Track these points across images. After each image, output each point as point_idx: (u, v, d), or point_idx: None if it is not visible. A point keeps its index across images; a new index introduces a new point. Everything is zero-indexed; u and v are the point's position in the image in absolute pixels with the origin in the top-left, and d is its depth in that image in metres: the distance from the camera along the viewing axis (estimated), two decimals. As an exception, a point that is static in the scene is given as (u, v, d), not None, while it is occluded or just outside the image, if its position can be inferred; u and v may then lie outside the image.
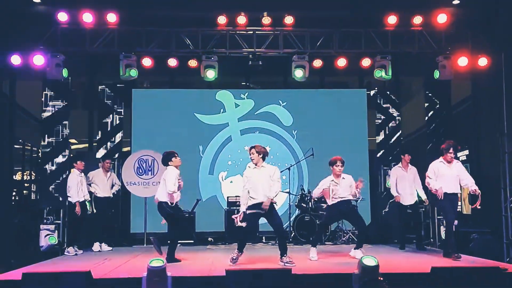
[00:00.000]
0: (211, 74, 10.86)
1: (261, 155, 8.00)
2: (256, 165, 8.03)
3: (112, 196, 10.75)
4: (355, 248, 8.73)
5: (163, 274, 5.86)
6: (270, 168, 8.04)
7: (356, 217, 8.87)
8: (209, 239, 11.84)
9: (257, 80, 14.05)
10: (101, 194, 10.43)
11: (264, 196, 7.81)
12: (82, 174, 10.12)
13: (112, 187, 10.74)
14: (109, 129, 12.61)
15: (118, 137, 12.73)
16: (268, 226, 12.14)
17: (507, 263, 9.64)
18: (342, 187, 8.65)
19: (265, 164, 8.05)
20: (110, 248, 10.40)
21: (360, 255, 8.43)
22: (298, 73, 10.90)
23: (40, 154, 12.43)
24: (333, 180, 8.68)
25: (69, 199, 9.92)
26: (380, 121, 13.07)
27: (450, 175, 8.69)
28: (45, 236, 10.29)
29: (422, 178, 9.41)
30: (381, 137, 12.95)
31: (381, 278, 5.52)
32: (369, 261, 5.86)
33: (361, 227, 8.92)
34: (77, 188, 9.85)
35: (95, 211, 10.45)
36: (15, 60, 10.42)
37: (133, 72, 10.75)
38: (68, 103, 11.99)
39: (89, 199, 10.23)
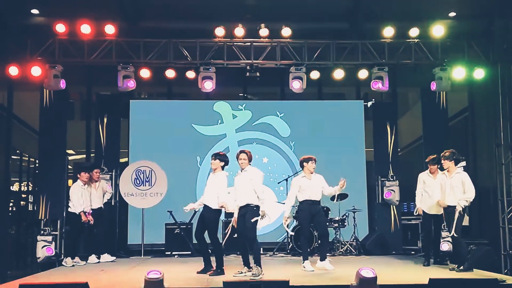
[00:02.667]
0: (208, 85, 10.89)
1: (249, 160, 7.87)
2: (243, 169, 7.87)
3: (103, 206, 10.67)
4: (320, 260, 8.46)
5: (161, 285, 5.85)
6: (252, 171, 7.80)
7: (322, 222, 8.80)
8: (207, 250, 11.78)
9: (254, 91, 14.09)
10: (92, 205, 10.35)
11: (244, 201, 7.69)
12: (86, 186, 10.06)
13: (103, 196, 10.67)
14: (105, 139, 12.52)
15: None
16: (265, 238, 12.23)
17: (505, 274, 9.65)
18: (313, 186, 8.57)
19: (248, 167, 7.85)
20: (113, 258, 10.35)
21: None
22: (296, 85, 10.94)
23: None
24: (304, 177, 8.61)
25: (71, 209, 9.84)
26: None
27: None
28: (43, 247, 10.23)
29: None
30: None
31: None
32: (367, 273, 5.87)
33: (324, 233, 8.66)
34: (79, 199, 9.80)
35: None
36: (13, 71, 10.44)
37: (131, 83, 10.77)
38: (66, 114, 11.98)
39: (90, 210, 10.13)
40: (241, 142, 12.93)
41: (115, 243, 11.78)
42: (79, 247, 10.18)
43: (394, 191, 11.85)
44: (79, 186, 9.95)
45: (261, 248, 11.53)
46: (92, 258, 10.10)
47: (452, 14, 11.37)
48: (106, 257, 10.28)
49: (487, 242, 11.13)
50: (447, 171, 8.46)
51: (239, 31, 10.81)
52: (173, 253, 11.33)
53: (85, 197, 9.95)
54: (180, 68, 11.20)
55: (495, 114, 11.23)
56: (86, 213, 9.91)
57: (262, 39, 10.97)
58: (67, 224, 10.73)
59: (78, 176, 10.09)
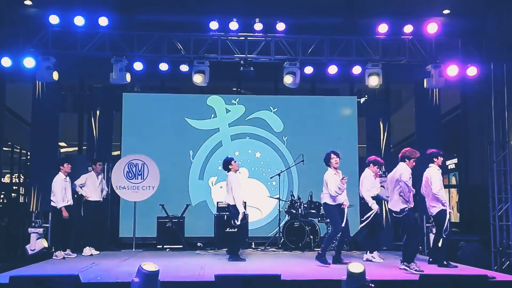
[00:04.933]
0: (202, 79, 10.86)
1: None
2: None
3: (102, 200, 10.68)
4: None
5: (155, 278, 5.82)
6: None
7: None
8: (198, 244, 11.81)
9: (248, 86, 14.06)
10: (92, 197, 10.33)
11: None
12: (67, 178, 9.99)
13: (102, 191, 10.67)
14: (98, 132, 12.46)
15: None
16: (257, 232, 12.26)
17: (495, 271, 9.71)
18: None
19: None
20: (98, 252, 10.33)
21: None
22: (289, 79, 10.93)
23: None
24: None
25: (53, 204, 9.79)
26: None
27: None
28: (37, 239, 10.16)
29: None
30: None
31: (372, 285, 5.53)
32: (356, 268, 5.88)
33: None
34: (62, 193, 9.73)
35: (82, 215, 10.30)
36: (5, 62, 10.37)
37: (127, 77, 10.71)
38: (58, 106, 11.91)
39: (72, 203, 10.06)
40: (234, 137, 12.93)
41: (107, 236, 11.75)
42: (69, 239, 10.12)
43: (383, 187, 11.85)
44: (62, 179, 9.82)
45: (253, 243, 11.73)
46: (87, 251, 10.08)
47: (446, 11, 11.38)
48: (91, 250, 10.26)
49: (477, 239, 11.19)
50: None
51: (234, 25, 10.78)
52: (165, 246, 11.33)
53: (67, 190, 9.86)
54: (174, 62, 11.15)
55: (488, 112, 11.27)
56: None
57: (256, 34, 10.94)
58: (56, 218, 10.66)
59: (61, 167, 9.91)
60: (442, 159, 8.74)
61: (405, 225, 8.19)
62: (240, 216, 9.14)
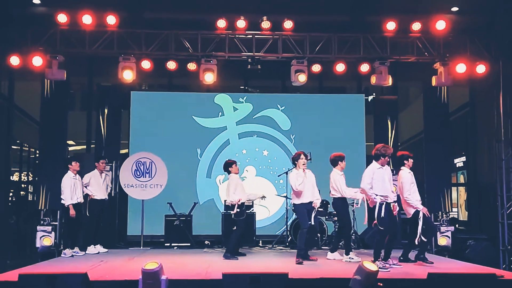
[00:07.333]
0: (209, 78, 10.87)
1: None
2: None
3: (107, 198, 10.70)
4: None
5: (157, 276, 5.86)
6: None
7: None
8: (206, 242, 11.83)
9: (255, 84, 14.08)
10: (97, 196, 10.36)
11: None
12: (77, 176, 10.04)
13: (106, 188, 10.70)
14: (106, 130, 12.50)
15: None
16: (265, 230, 12.27)
17: (504, 270, 9.67)
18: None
19: None
20: (106, 250, 10.37)
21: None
22: (302, 78, 10.90)
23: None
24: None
25: (63, 201, 9.85)
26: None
27: None
28: (41, 237, 10.24)
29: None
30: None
31: (381, 284, 5.53)
32: (370, 266, 5.88)
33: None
34: (70, 190, 9.77)
35: (88, 214, 10.32)
36: (14, 60, 10.41)
37: (129, 74, 10.72)
38: (67, 104, 11.96)
39: (82, 201, 10.12)
40: (242, 135, 12.94)
41: (115, 234, 11.80)
42: (78, 237, 10.17)
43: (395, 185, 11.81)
44: (70, 178, 9.86)
45: (260, 241, 11.73)
46: (91, 249, 10.12)
47: (455, 8, 11.32)
48: (99, 248, 10.30)
49: (486, 237, 11.15)
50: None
51: (241, 23, 10.78)
52: (173, 244, 11.36)
53: (76, 188, 9.90)
54: (182, 60, 11.17)
55: (496, 110, 11.22)
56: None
57: (264, 32, 10.93)
58: (65, 216, 10.72)
59: (70, 166, 9.96)
60: (412, 161, 8.71)
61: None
62: (235, 203, 9.23)
